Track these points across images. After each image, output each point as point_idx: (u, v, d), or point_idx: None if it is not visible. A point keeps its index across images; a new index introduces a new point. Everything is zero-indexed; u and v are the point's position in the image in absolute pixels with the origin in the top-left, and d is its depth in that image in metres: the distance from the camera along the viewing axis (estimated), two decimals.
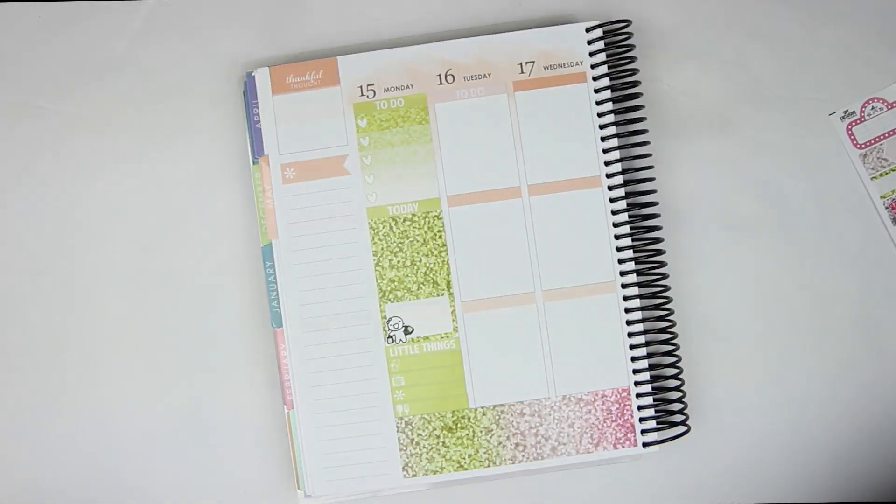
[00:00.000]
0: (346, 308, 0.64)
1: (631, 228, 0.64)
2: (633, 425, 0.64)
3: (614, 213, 0.64)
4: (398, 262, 0.65)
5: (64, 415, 0.66)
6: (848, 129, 0.67)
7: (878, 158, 0.67)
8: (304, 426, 0.64)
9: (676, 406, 0.65)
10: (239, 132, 0.67)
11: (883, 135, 0.67)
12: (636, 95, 0.65)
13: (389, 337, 0.64)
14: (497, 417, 0.64)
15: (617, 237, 0.64)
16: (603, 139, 0.65)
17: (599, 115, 0.65)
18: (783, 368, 0.66)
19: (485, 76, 0.65)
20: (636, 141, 0.65)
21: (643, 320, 0.64)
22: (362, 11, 0.67)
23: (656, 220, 0.66)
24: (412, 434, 0.64)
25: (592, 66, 0.65)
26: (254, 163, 0.65)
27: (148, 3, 0.67)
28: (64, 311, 0.66)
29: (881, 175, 0.67)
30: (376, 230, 0.65)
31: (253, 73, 0.65)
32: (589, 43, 0.65)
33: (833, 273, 0.66)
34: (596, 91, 0.65)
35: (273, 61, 0.67)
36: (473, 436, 0.64)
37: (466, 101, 0.65)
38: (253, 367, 0.66)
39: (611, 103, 0.65)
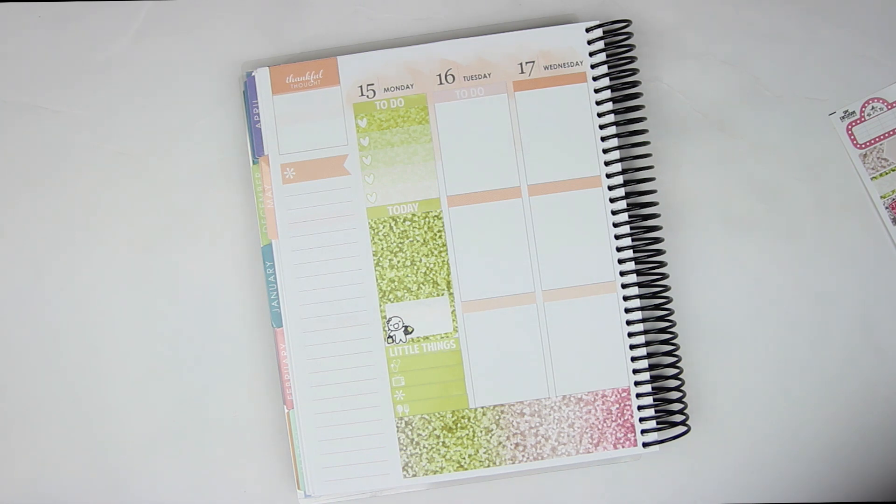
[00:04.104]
0: (346, 308, 0.64)
1: (631, 228, 0.64)
2: (633, 425, 0.64)
3: (614, 213, 0.64)
4: (398, 262, 0.65)
5: (64, 415, 0.66)
6: (848, 129, 0.67)
7: (878, 158, 0.67)
8: (304, 426, 0.64)
9: (676, 406, 0.65)
10: (239, 132, 0.67)
11: (883, 135, 0.67)
12: (636, 95, 0.65)
13: (389, 337, 0.64)
14: (497, 417, 0.64)
15: (617, 237, 0.64)
16: (603, 139, 0.65)
17: (599, 115, 0.65)
18: (783, 368, 0.66)
19: (485, 76, 0.65)
20: (636, 141, 0.65)
21: (643, 320, 0.64)
22: (362, 11, 0.67)
23: (656, 220, 0.66)
24: (412, 434, 0.64)
25: (592, 66, 0.65)
26: (254, 163, 0.65)
27: (148, 3, 0.67)
28: (64, 311, 0.66)
29: (881, 175, 0.67)
30: (376, 230, 0.65)
31: (253, 73, 0.65)
32: (589, 43, 0.65)
33: (833, 273, 0.66)
34: (596, 91, 0.65)
35: (273, 61, 0.67)
36: (473, 436, 0.64)
37: (466, 101, 0.65)
38: (253, 367, 0.66)
39: (611, 103, 0.65)
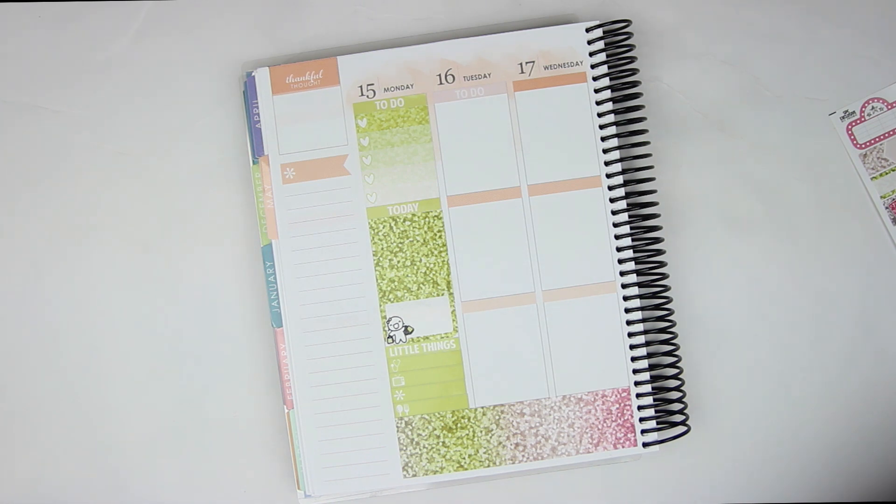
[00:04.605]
0: (346, 308, 0.64)
1: (631, 228, 0.64)
2: (633, 425, 0.64)
3: (614, 213, 0.64)
4: (398, 262, 0.65)
5: (64, 415, 0.66)
6: (848, 129, 0.67)
7: (878, 158, 0.67)
8: (304, 426, 0.64)
9: (676, 406, 0.65)
10: (239, 132, 0.67)
11: (883, 135, 0.67)
12: (636, 95, 0.65)
13: (389, 337, 0.64)
14: (497, 417, 0.64)
15: (617, 237, 0.64)
16: (603, 139, 0.65)
17: (599, 115, 0.65)
18: (783, 368, 0.66)
19: (485, 76, 0.65)
20: (636, 141, 0.65)
21: (643, 320, 0.64)
22: (362, 11, 0.67)
23: (656, 220, 0.66)
24: (412, 434, 0.64)
25: (592, 66, 0.65)
26: (254, 163, 0.65)
27: (148, 3, 0.67)
28: (64, 311, 0.66)
29: (881, 175, 0.67)
30: (376, 230, 0.65)
31: (253, 73, 0.65)
32: (589, 43, 0.65)
33: (833, 273, 0.67)
34: (596, 91, 0.65)
35: (273, 61, 0.67)
36: (473, 436, 0.64)
37: (466, 101, 0.65)
38: (253, 367, 0.66)
39: (611, 103, 0.65)
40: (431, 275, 0.65)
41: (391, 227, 0.65)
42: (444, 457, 0.64)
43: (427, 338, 0.64)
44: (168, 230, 0.66)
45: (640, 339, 0.64)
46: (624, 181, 0.65)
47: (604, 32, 0.65)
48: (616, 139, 0.65)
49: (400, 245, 0.65)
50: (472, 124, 0.65)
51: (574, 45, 0.65)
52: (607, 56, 0.65)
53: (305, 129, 0.65)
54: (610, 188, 0.64)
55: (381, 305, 0.64)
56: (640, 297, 0.64)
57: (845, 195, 0.67)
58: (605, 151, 0.65)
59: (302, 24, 0.67)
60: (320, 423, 0.64)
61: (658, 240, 0.65)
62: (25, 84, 0.67)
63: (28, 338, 0.66)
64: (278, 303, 0.65)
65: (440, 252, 0.65)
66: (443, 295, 0.65)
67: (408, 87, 0.65)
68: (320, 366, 0.64)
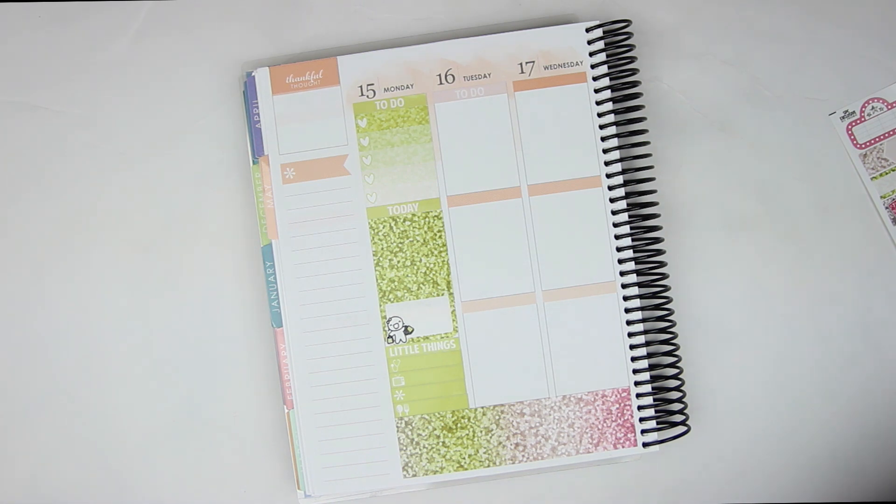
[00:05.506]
0: (346, 308, 0.64)
1: (631, 228, 0.64)
2: (633, 425, 0.64)
3: (614, 213, 0.64)
4: (398, 262, 0.65)
5: (64, 415, 0.66)
6: (848, 129, 0.67)
7: (878, 158, 0.67)
8: (304, 426, 0.64)
9: (676, 406, 0.65)
10: (239, 132, 0.67)
11: (883, 135, 0.67)
12: (636, 95, 0.65)
13: (389, 337, 0.64)
14: (497, 417, 0.64)
15: (617, 237, 0.64)
16: (603, 139, 0.65)
17: (599, 115, 0.65)
18: (783, 368, 0.66)
19: (485, 76, 0.65)
20: (636, 141, 0.65)
21: (643, 320, 0.64)
22: (362, 11, 0.67)
23: (656, 220, 0.66)
24: (412, 434, 0.64)
25: (592, 66, 0.65)
26: (254, 163, 0.65)
27: (148, 2, 0.67)
28: (64, 311, 0.66)
29: (881, 175, 0.67)
30: (376, 230, 0.65)
31: (253, 73, 0.65)
32: (589, 43, 0.65)
33: (833, 273, 0.67)
34: (596, 91, 0.65)
35: (273, 61, 0.67)
36: (473, 436, 0.64)
37: (466, 101, 0.65)
38: (253, 367, 0.66)
39: (611, 103, 0.65)
40: (431, 275, 0.65)
41: (391, 227, 0.65)
42: (444, 457, 0.64)
43: (427, 338, 0.64)
44: (168, 230, 0.66)
45: (640, 339, 0.64)
46: (624, 181, 0.65)
47: (604, 32, 0.65)
48: (616, 139, 0.65)
49: (400, 245, 0.65)
50: (472, 124, 0.65)
51: (574, 45, 0.65)
52: (607, 56, 0.65)
53: (305, 129, 0.65)
54: (610, 188, 0.64)
55: (381, 305, 0.64)
56: (640, 297, 0.64)
57: (845, 195, 0.67)
58: (605, 151, 0.65)
59: (302, 24, 0.67)
60: (320, 423, 0.64)
61: (658, 240, 0.65)
62: (25, 84, 0.67)
63: (28, 338, 0.66)
64: (278, 303, 0.65)
65: (440, 252, 0.65)
66: (443, 295, 0.65)
67: (408, 87, 0.65)
68: (320, 366, 0.64)
